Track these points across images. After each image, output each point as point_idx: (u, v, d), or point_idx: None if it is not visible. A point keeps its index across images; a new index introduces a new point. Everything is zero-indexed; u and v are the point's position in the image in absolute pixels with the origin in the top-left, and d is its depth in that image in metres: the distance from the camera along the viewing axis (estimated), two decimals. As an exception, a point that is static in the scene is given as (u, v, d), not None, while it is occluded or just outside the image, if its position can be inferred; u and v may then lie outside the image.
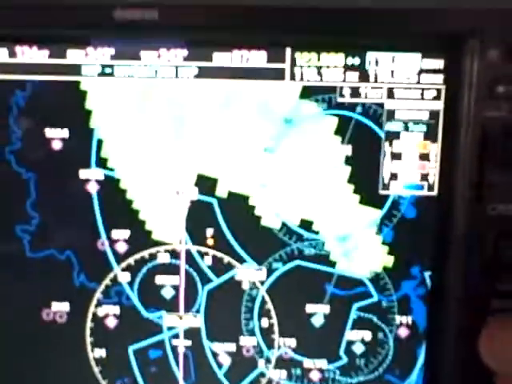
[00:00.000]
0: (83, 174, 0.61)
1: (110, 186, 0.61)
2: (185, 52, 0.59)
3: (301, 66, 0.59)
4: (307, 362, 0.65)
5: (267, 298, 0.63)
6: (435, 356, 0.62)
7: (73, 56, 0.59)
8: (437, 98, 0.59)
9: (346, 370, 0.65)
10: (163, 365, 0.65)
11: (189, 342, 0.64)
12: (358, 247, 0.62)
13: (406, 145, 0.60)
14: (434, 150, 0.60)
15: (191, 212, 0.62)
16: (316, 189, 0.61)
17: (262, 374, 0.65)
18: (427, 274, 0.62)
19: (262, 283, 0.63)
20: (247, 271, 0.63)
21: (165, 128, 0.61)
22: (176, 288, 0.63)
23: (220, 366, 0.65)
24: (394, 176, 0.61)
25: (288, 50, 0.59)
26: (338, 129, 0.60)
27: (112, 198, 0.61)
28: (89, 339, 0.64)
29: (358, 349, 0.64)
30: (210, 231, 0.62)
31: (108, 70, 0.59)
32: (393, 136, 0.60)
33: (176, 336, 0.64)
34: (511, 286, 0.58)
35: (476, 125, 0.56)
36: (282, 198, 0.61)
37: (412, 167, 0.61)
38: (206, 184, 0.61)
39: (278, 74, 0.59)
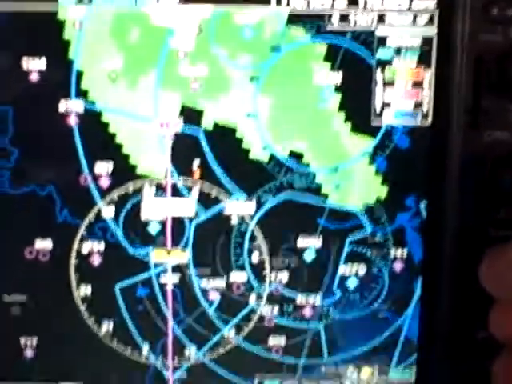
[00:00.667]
0: (63, 106, 0.59)
1: (91, 120, 0.59)
2: (166, -24, 0.56)
3: (288, -10, 0.56)
4: (299, 298, 0.64)
5: (257, 233, 0.61)
6: (432, 289, 0.60)
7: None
8: (430, 23, 0.58)
9: (340, 306, 0.64)
10: (151, 303, 0.64)
11: (177, 279, 0.63)
12: (351, 178, 0.60)
13: (398, 72, 0.59)
14: (428, 77, 0.59)
15: (176, 144, 0.60)
16: (305, 118, 0.59)
17: (253, 311, 0.64)
18: (422, 205, 0.61)
19: (252, 217, 0.61)
20: (236, 205, 0.61)
21: (146, 58, 0.58)
22: (162, 223, 0.61)
23: (210, 303, 0.63)
24: (386, 105, 0.59)
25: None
26: (327, 56, 0.58)
27: (94, 132, 0.59)
28: (73, 276, 0.63)
29: (352, 283, 0.63)
30: (196, 164, 0.60)
31: (87, -3, 0.56)
32: (384, 63, 0.59)
33: (164, 272, 0.63)
34: (508, 214, 0.57)
35: (470, 50, 0.55)
36: (270, 129, 0.59)
37: (405, 95, 0.59)
38: (191, 115, 0.59)
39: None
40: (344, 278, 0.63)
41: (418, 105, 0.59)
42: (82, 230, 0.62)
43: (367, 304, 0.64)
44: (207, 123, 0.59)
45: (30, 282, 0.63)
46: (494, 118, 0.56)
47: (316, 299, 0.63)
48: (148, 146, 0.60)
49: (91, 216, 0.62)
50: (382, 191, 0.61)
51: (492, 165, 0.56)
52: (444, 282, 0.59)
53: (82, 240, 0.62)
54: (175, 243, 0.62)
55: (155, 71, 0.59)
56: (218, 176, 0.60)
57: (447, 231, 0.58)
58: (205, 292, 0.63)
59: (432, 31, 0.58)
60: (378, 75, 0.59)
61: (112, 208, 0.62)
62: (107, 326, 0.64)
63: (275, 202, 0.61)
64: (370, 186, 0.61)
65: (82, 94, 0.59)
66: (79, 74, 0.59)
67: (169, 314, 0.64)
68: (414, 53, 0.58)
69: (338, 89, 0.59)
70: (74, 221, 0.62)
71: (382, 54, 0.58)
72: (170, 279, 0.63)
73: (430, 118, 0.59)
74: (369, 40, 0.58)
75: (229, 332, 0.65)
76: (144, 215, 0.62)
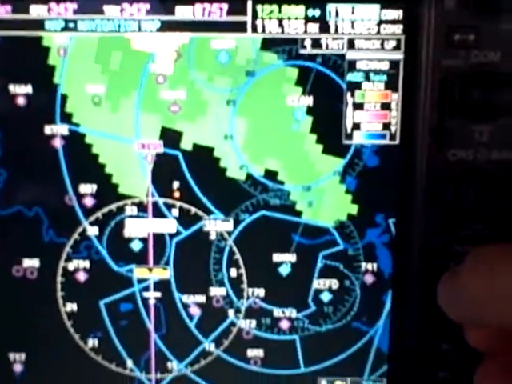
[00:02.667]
0: (48, 129, 0.62)
1: (76, 142, 0.62)
2: (147, 6, 0.59)
3: (262, 18, 0.59)
4: (276, 311, 0.66)
5: (235, 249, 0.64)
6: (401, 302, 0.63)
7: (36, 11, 0.59)
8: (397, 47, 0.60)
9: (315, 318, 0.66)
10: (134, 317, 0.66)
11: (159, 294, 0.65)
12: (322, 196, 0.63)
13: (367, 95, 0.61)
14: (395, 99, 0.61)
15: (157, 165, 0.62)
16: (279, 139, 0.62)
17: (233, 324, 0.66)
18: (391, 221, 0.63)
19: (230, 234, 0.64)
20: (214, 222, 0.63)
21: (128, 82, 0.61)
22: (145, 241, 0.64)
23: (191, 317, 0.66)
24: (356, 126, 0.62)
25: (249, 3, 0.59)
26: (299, 79, 0.61)
27: (78, 153, 0.62)
28: (60, 294, 0.65)
29: (326, 297, 0.66)
30: (176, 184, 0.62)
31: (71, 25, 0.60)
32: (354, 86, 0.61)
33: (146, 288, 0.65)
34: (472, 231, 0.59)
35: (435, 73, 0.57)
36: (246, 150, 0.62)
37: (374, 117, 0.62)
38: (170, 137, 0.62)
39: (240, 27, 0.60)
40: (318, 292, 0.65)
41: (387, 126, 0.62)
42: (67, 248, 0.64)
43: (340, 316, 0.66)
44: (186, 144, 0.62)
45: (19, 300, 0.66)
46: (457, 137, 0.58)
47: (292, 312, 0.65)
48: (129, 166, 0.63)
49: (76, 235, 0.64)
50: (353, 208, 0.63)
51: (456, 183, 0.58)
52: (412, 295, 0.61)
53: (67, 258, 0.64)
54: (157, 261, 0.65)
55: (136, 94, 0.61)
56: (198, 195, 0.63)
57: (414, 247, 0.61)
58: (186, 307, 0.65)
59: (399, 55, 0.60)
60: (348, 97, 0.61)
61: (96, 227, 0.64)
62: (93, 342, 0.66)
63: (252, 218, 0.63)
64: (341, 203, 0.63)
65: (67, 117, 0.62)
66: (64, 98, 0.61)
67: (151, 328, 0.66)
68: (382, 76, 0.61)
69: (309, 111, 0.62)
70: (60, 239, 0.64)
71: (351, 77, 0.61)
72: (153, 294, 0.65)
73: (397, 139, 0.62)
74: (338, 64, 0.60)
75: (209, 344, 0.66)
76: (127, 233, 0.64)
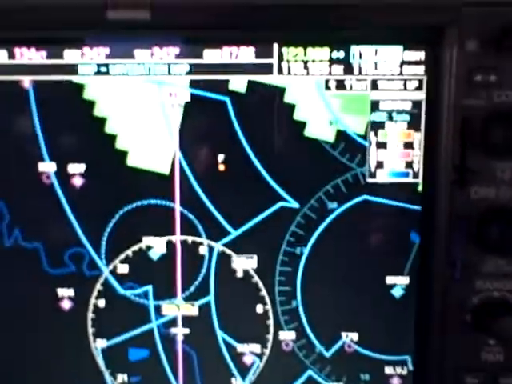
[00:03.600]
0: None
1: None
2: (177, 50, 0.61)
3: (288, 61, 0.61)
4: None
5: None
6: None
7: (69, 56, 0.61)
8: (419, 88, 0.62)
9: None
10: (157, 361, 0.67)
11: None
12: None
13: (390, 134, 0.63)
14: (418, 138, 0.62)
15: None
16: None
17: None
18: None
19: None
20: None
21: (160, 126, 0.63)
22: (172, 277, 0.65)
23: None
24: (379, 164, 0.63)
25: (275, 46, 0.61)
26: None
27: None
28: (91, 330, 0.66)
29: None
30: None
31: (103, 69, 0.61)
32: (378, 126, 0.63)
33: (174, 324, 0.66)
34: (495, 268, 0.60)
35: (456, 113, 0.59)
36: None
37: (397, 155, 0.63)
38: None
39: (266, 69, 0.61)
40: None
41: (410, 164, 0.63)
42: (98, 286, 0.65)
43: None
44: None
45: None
46: (480, 175, 0.59)
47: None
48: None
49: (107, 272, 0.65)
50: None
51: (479, 220, 0.59)
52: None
53: (98, 294, 0.65)
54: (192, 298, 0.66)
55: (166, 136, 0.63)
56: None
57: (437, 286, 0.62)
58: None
59: (421, 96, 0.62)
60: (372, 137, 0.63)
61: (126, 265, 0.65)
62: (122, 378, 0.67)
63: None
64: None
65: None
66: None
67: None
68: (405, 116, 0.62)
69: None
70: (95, 273, 0.65)
71: (375, 116, 0.62)
72: (180, 331, 0.67)
73: (420, 177, 0.63)
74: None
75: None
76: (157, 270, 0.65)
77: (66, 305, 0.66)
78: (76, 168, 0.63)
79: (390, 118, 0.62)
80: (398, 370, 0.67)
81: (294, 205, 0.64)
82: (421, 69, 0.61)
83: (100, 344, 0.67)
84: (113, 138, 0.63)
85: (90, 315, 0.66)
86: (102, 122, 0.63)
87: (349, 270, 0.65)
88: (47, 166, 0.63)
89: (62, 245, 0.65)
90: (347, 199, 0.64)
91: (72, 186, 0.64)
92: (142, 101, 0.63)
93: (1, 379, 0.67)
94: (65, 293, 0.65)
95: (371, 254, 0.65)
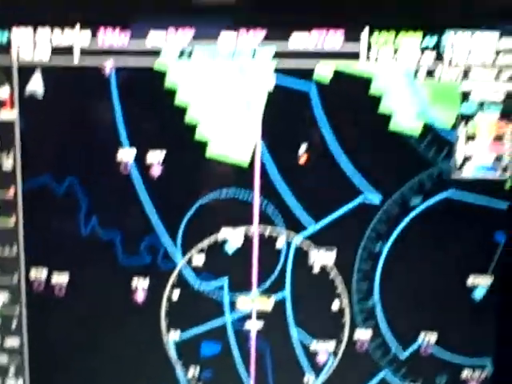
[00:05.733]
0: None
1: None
2: (262, 34, 0.59)
3: (377, 47, 0.59)
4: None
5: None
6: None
7: (153, 38, 0.59)
8: (512, 78, 0.58)
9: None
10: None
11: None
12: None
13: (480, 126, 0.60)
14: (509, 131, 0.60)
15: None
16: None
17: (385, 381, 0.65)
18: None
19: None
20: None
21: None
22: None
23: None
24: (467, 159, 0.61)
25: (365, 30, 0.58)
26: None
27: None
28: (164, 322, 0.65)
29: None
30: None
31: (186, 53, 0.60)
32: (467, 118, 0.60)
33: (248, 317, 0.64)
34: None
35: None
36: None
37: (486, 149, 0.60)
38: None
39: (354, 55, 0.59)
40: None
41: (499, 158, 0.60)
42: (173, 277, 0.64)
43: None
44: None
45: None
46: None
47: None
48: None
49: (183, 263, 0.63)
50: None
51: None
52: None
53: (173, 287, 0.64)
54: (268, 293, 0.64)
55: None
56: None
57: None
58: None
59: (515, 87, 0.58)
60: (460, 130, 0.60)
61: (202, 258, 0.63)
62: (193, 372, 0.66)
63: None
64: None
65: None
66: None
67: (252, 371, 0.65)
68: (497, 107, 0.59)
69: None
70: (170, 264, 0.64)
71: (465, 108, 0.60)
72: (254, 326, 0.65)
73: (509, 172, 0.60)
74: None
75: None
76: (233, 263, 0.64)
77: (140, 296, 0.64)
78: (155, 156, 0.61)
79: (481, 110, 0.60)
80: (477, 374, 0.64)
81: (376, 200, 0.61)
82: (516, 58, 0.58)
83: (173, 337, 0.65)
84: (193, 126, 0.61)
85: (164, 307, 0.64)
86: (182, 109, 0.61)
87: (429, 268, 0.63)
88: (127, 153, 0.62)
89: (138, 235, 0.63)
90: (431, 196, 0.61)
91: (150, 176, 0.62)
92: (224, 87, 0.60)
93: (72, 371, 0.66)
94: (139, 284, 0.64)
95: (453, 252, 0.62)
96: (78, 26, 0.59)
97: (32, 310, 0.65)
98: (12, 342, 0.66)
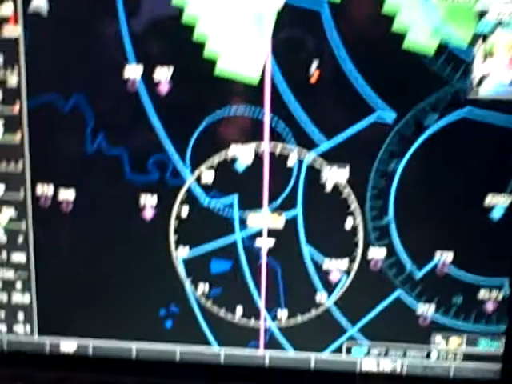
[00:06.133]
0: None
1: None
2: None
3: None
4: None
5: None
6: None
7: None
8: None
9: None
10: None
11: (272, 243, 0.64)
12: None
13: (498, 44, 0.58)
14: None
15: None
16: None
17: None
18: None
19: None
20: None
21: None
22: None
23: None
24: (483, 77, 0.59)
25: None
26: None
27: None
28: (173, 238, 0.65)
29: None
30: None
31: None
32: (484, 36, 0.58)
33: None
34: None
35: None
36: None
37: (504, 67, 0.58)
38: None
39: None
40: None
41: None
42: (181, 194, 0.63)
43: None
44: None
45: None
46: None
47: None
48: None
49: (191, 180, 0.63)
50: None
51: None
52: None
53: (181, 203, 0.63)
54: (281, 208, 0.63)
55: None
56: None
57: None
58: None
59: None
60: (477, 48, 0.58)
61: (211, 175, 0.63)
62: (203, 289, 0.66)
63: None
64: None
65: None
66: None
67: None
68: (515, 25, 0.56)
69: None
70: (178, 181, 0.63)
71: (482, 26, 0.57)
72: (265, 243, 0.64)
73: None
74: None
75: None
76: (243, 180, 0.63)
77: (149, 214, 0.64)
78: (163, 73, 0.60)
79: (499, 27, 0.57)
80: (494, 294, 0.63)
81: (389, 118, 0.60)
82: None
83: (182, 254, 0.65)
84: (202, 41, 0.59)
85: (173, 225, 0.64)
86: (191, 23, 0.59)
87: (445, 186, 0.61)
88: (134, 70, 0.60)
89: (146, 151, 0.62)
90: (446, 114, 0.60)
91: (158, 92, 0.61)
92: (234, 2, 0.59)
93: (83, 288, 0.67)
94: (147, 201, 0.63)
95: (470, 171, 0.61)
96: None
97: (38, 226, 0.65)
98: (18, 257, 0.66)
